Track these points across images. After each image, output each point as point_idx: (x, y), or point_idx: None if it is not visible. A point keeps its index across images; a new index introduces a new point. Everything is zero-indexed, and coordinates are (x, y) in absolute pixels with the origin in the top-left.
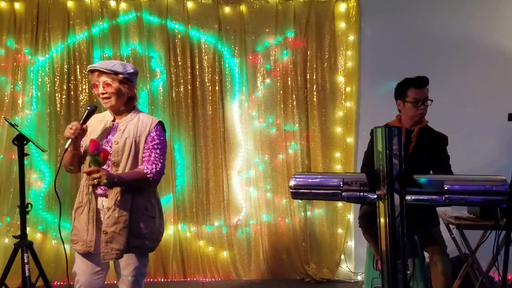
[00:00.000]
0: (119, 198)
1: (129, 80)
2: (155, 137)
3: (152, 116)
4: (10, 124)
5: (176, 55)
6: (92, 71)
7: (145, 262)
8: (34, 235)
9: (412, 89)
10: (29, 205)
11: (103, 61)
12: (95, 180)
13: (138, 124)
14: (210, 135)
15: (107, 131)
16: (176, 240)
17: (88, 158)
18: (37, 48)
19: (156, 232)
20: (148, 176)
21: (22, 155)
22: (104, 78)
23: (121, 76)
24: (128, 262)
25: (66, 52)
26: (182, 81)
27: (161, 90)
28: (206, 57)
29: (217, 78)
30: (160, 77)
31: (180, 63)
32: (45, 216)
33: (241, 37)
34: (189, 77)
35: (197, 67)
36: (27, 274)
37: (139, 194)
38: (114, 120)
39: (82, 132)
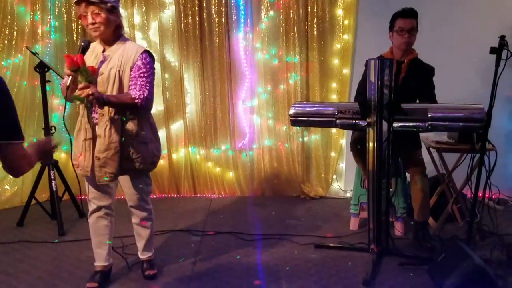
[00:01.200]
0: (108, 126)
1: (115, 8)
2: (141, 66)
3: (161, 46)
4: (32, 52)
5: None
6: (78, 3)
7: (147, 181)
8: (59, 154)
9: (399, 19)
10: (53, 128)
11: None
12: (90, 97)
13: (123, 54)
14: (217, 66)
15: (98, 62)
16: (187, 162)
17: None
18: None
19: (150, 156)
20: (136, 101)
21: (44, 81)
22: (92, 8)
23: (109, 4)
24: (129, 183)
25: None
26: (190, 12)
27: (171, 21)
28: None
29: (223, 10)
30: (169, 8)
31: None
32: (68, 138)
33: None
34: (196, 8)
35: None
36: (54, 189)
37: (130, 121)
38: (104, 51)
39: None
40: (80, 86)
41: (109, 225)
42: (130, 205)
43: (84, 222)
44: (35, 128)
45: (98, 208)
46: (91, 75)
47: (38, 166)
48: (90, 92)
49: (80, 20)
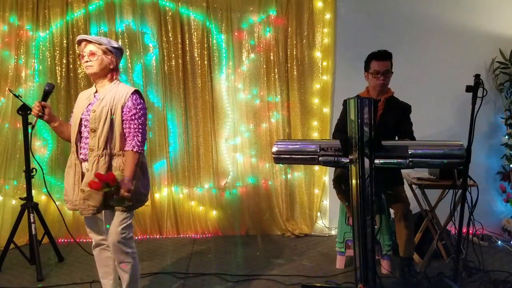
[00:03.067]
0: (96, 160)
1: (111, 52)
2: (132, 107)
3: (145, 87)
4: (15, 95)
5: (167, 31)
6: (79, 42)
7: (128, 222)
8: (39, 197)
9: (374, 61)
10: (34, 170)
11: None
12: (126, 196)
13: (115, 94)
14: (200, 106)
15: (88, 103)
16: (170, 201)
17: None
18: (38, 24)
19: (136, 193)
20: (136, 151)
21: (26, 124)
22: (89, 47)
23: (104, 46)
24: (111, 218)
25: (65, 28)
26: (173, 55)
27: (154, 64)
28: (195, 33)
29: (205, 53)
30: (153, 52)
31: (171, 38)
32: (49, 180)
33: (228, 14)
34: (180, 52)
35: (187, 42)
36: (33, 233)
37: (118, 157)
38: (96, 92)
39: (43, 108)
40: (117, 197)
41: (112, 257)
42: (111, 248)
43: (64, 266)
44: (16, 170)
45: (98, 244)
46: (111, 188)
47: (18, 208)
48: (126, 195)
49: (79, 60)
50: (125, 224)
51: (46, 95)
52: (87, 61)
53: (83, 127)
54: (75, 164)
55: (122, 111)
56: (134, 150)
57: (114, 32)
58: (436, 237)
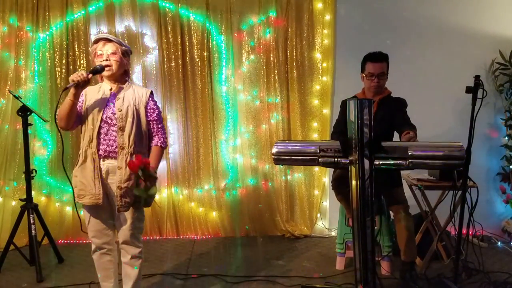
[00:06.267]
0: (128, 158)
1: (127, 54)
2: (154, 108)
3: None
4: (14, 96)
5: (167, 33)
6: (97, 41)
7: (141, 217)
8: (39, 198)
9: (369, 63)
10: (34, 171)
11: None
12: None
13: (134, 94)
14: (200, 107)
15: (106, 99)
16: (170, 202)
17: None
18: (38, 25)
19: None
20: (163, 146)
21: (26, 125)
22: (109, 47)
23: (123, 48)
24: (127, 217)
25: (65, 29)
26: (173, 56)
27: (154, 65)
28: (195, 34)
29: (205, 54)
30: (153, 53)
31: (171, 40)
32: (49, 181)
33: (228, 16)
34: (179, 53)
35: (187, 44)
36: (33, 234)
37: (143, 156)
38: (110, 89)
39: (86, 80)
40: (146, 184)
41: (113, 260)
42: (122, 242)
43: (64, 267)
44: (16, 171)
45: (99, 248)
46: (151, 175)
47: (17, 210)
48: (149, 184)
49: (94, 59)
50: (139, 219)
51: (95, 72)
52: (107, 60)
53: (102, 123)
54: (93, 158)
55: (146, 111)
56: (163, 146)
57: (114, 33)
58: (436, 238)
